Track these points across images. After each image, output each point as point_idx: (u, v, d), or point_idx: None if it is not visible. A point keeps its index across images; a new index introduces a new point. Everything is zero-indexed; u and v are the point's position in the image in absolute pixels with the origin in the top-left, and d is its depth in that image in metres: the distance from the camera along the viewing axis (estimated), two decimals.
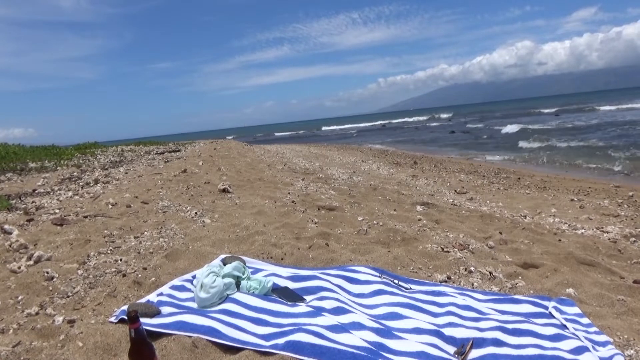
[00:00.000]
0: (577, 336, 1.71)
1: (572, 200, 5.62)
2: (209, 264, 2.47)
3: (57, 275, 2.44)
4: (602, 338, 1.72)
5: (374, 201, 4.67)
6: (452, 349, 1.64)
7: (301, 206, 4.23)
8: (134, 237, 3.23)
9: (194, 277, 2.25)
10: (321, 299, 2.00)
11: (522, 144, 14.19)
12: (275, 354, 1.54)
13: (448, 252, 2.82)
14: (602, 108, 31.91)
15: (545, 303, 2.04)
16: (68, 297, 2.18)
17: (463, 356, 1.58)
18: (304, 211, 4.01)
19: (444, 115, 52.57)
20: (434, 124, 40.60)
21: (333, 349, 1.52)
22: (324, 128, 56.86)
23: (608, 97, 54.23)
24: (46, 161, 9.37)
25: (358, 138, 28.71)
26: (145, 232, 3.37)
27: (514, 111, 45.06)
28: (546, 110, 37.98)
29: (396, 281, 2.27)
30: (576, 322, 1.85)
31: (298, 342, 1.56)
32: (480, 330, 1.74)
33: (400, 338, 1.69)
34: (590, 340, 1.68)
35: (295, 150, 16.19)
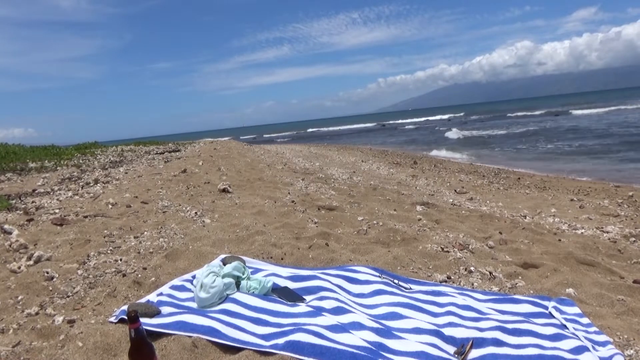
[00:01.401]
0: (577, 336, 1.71)
1: (572, 200, 5.62)
2: (208, 264, 2.47)
3: (57, 275, 2.44)
4: (602, 338, 1.72)
5: (374, 201, 4.67)
6: (452, 349, 1.64)
7: (301, 206, 4.23)
8: (134, 237, 3.23)
9: (193, 277, 2.25)
10: (321, 299, 2.00)
11: (434, 151, 15.90)
12: (275, 354, 1.54)
13: (448, 252, 2.82)
14: (585, 111, 32.48)
15: (545, 303, 2.04)
16: (68, 297, 2.18)
17: (463, 356, 1.58)
18: (304, 211, 4.01)
19: (444, 117, 53.02)
20: (410, 126, 41.67)
21: (333, 349, 1.52)
22: (309, 130, 56.84)
23: (605, 98, 54.88)
24: (46, 161, 9.37)
25: (347, 139, 29.61)
26: (145, 232, 3.37)
27: (510, 112, 45.95)
28: (528, 113, 38.56)
29: (396, 281, 2.26)
30: (576, 322, 1.85)
31: (298, 342, 1.55)
32: (480, 330, 1.74)
33: (400, 338, 1.69)
34: (590, 340, 1.68)
35: (295, 150, 16.20)
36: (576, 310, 1.97)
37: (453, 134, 22.54)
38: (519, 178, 8.19)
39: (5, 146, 12.07)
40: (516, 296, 2.16)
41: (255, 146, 17.65)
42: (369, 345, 1.59)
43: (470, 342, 1.65)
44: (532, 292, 2.27)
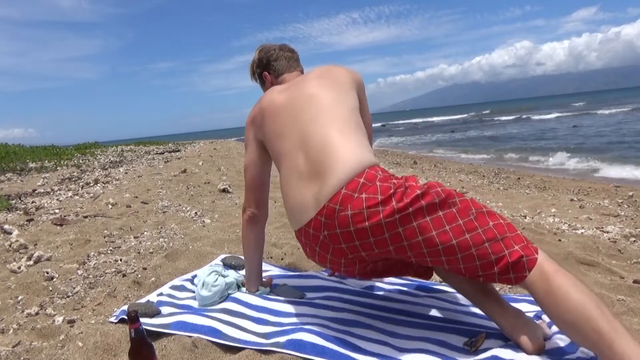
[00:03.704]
0: None
1: (572, 200, 5.62)
2: (210, 263, 2.48)
3: (57, 275, 2.44)
4: None
5: None
6: (461, 340, 1.63)
7: None
8: (134, 237, 3.24)
9: (194, 277, 2.26)
10: (322, 298, 2.00)
11: None
12: (276, 352, 1.54)
13: None
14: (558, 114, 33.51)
15: None
16: (68, 297, 2.18)
17: (474, 347, 1.57)
18: None
19: (443, 118, 53.30)
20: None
21: (334, 349, 1.52)
22: None
23: (601, 99, 55.84)
24: (46, 161, 9.38)
25: None
26: (145, 232, 3.37)
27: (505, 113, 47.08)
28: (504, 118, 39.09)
29: (396, 279, 2.27)
30: None
31: (300, 340, 1.55)
32: (485, 326, 1.74)
33: (405, 336, 1.68)
34: None
35: None
36: None
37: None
38: (519, 178, 8.19)
39: (5, 146, 12.08)
40: (515, 295, 2.16)
41: None
42: (372, 344, 1.59)
43: (483, 334, 1.63)
44: None
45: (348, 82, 1.79)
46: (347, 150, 1.53)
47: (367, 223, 1.41)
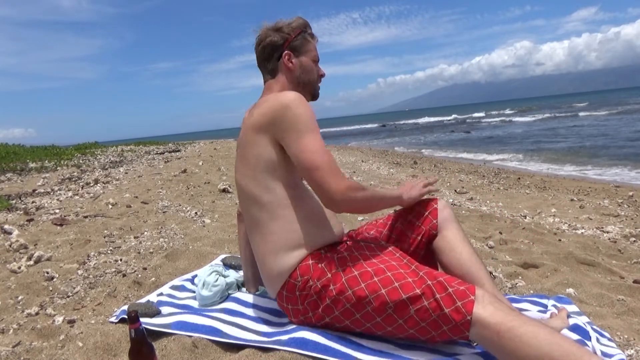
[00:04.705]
0: (581, 325, 1.69)
1: (572, 200, 5.62)
2: (210, 263, 2.48)
3: (57, 275, 2.44)
4: (606, 334, 1.73)
5: None
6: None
7: None
8: (134, 237, 3.24)
9: (194, 277, 2.26)
10: None
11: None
12: (277, 350, 1.54)
13: None
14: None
15: (544, 301, 2.04)
16: (68, 297, 2.18)
17: (476, 343, 1.57)
18: None
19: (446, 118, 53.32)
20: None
21: (336, 348, 1.52)
22: None
23: (601, 99, 55.92)
24: (46, 161, 9.39)
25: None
26: (145, 232, 3.37)
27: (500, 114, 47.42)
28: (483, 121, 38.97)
29: None
30: (575, 319, 1.85)
31: (302, 338, 1.55)
32: None
33: None
34: (596, 331, 1.68)
35: None
36: (574, 308, 1.97)
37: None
38: (519, 178, 8.19)
39: (5, 146, 12.10)
40: (515, 296, 2.16)
41: None
42: (376, 342, 1.59)
43: None
44: (532, 292, 2.27)
45: (259, 143, 1.55)
46: (269, 265, 1.61)
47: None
